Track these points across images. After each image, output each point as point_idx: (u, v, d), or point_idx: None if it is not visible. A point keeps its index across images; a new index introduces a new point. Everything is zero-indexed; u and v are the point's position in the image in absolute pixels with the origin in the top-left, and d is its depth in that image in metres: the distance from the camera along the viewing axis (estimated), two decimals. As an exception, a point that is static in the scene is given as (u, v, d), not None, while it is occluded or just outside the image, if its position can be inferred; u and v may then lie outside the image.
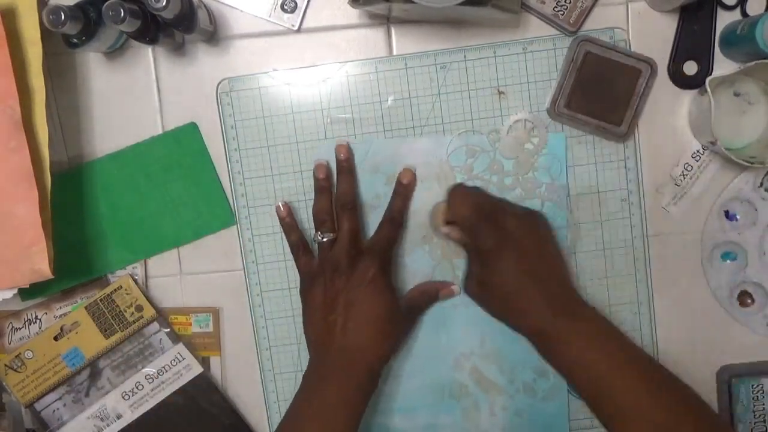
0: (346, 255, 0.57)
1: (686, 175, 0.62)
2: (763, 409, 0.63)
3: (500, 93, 0.62)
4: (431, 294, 0.62)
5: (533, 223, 0.57)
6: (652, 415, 0.50)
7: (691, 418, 0.50)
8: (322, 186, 0.60)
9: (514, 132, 0.61)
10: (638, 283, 0.63)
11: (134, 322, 0.62)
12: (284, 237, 0.62)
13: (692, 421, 0.50)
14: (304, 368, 0.63)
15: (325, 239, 0.58)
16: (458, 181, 0.62)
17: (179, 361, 0.63)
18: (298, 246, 0.60)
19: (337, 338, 0.56)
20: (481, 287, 0.58)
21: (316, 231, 0.59)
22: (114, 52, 0.61)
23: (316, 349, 0.58)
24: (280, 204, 0.61)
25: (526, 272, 0.54)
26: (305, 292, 0.59)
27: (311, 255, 0.60)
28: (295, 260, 0.61)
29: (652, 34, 0.61)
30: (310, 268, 0.59)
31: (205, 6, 0.59)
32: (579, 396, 0.55)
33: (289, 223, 0.61)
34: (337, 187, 0.60)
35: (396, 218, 0.60)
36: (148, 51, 0.62)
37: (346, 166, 0.61)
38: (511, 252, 0.54)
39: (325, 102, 0.62)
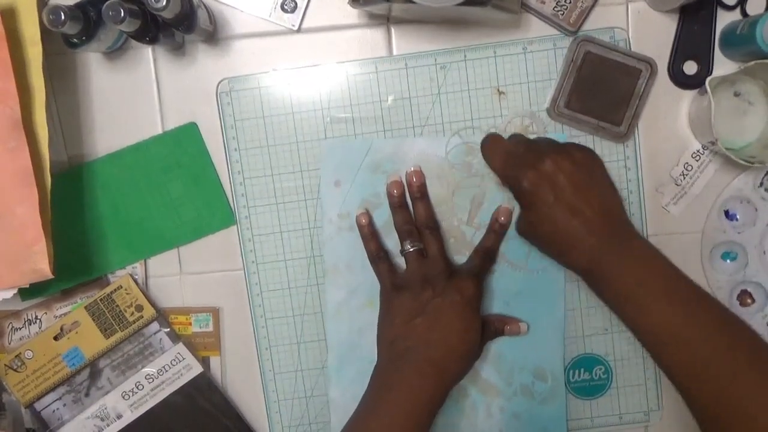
0: (443, 270, 0.58)
1: (686, 174, 0.62)
2: (763, 409, 0.63)
3: (500, 93, 0.62)
4: (498, 327, 0.62)
5: (572, 159, 0.55)
6: (689, 339, 0.50)
7: (728, 340, 0.50)
8: (400, 202, 0.61)
9: (512, 128, 0.61)
10: (638, 282, 0.63)
11: (134, 321, 0.62)
12: (284, 237, 0.62)
13: (730, 344, 0.50)
14: (304, 368, 0.64)
15: (413, 249, 0.59)
16: (458, 177, 0.62)
17: (179, 361, 0.63)
18: (379, 254, 0.60)
19: (417, 344, 0.56)
20: (529, 229, 0.58)
21: (403, 242, 0.59)
22: (114, 52, 0.61)
23: (390, 351, 0.57)
24: (362, 211, 0.61)
25: (566, 211, 0.53)
26: (390, 299, 0.59)
27: (393, 264, 0.61)
28: (375, 268, 0.61)
29: (652, 34, 0.61)
30: (396, 278, 0.59)
31: (205, 6, 0.59)
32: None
33: (369, 231, 0.61)
34: (415, 212, 0.61)
35: (490, 254, 0.61)
36: (148, 51, 0.62)
37: (421, 191, 0.61)
38: (548, 192, 0.54)
39: (325, 102, 0.62)
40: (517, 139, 0.59)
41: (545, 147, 0.56)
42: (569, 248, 0.54)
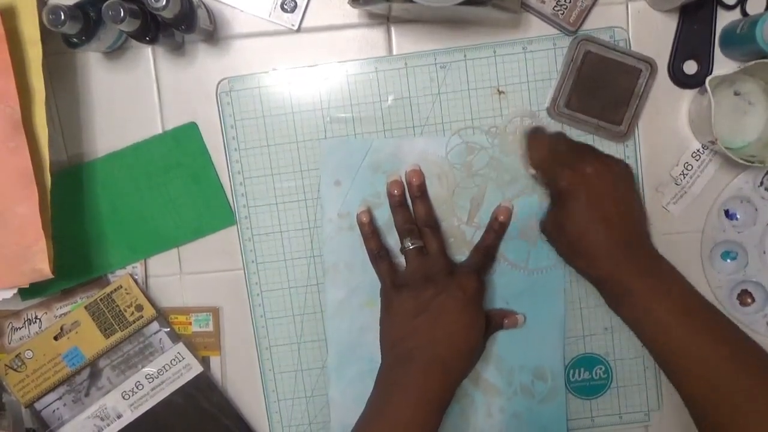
0: (444, 267, 0.58)
1: (686, 174, 0.62)
2: (764, 408, 0.63)
3: (500, 93, 0.62)
4: (497, 322, 0.62)
5: (611, 169, 0.55)
6: (705, 358, 0.50)
7: (743, 361, 0.51)
8: (400, 202, 0.61)
9: (512, 129, 0.62)
10: (638, 282, 0.63)
11: (134, 321, 0.62)
12: (284, 237, 0.62)
13: (744, 365, 0.50)
14: (304, 368, 0.64)
15: (413, 246, 0.58)
16: (458, 177, 0.62)
17: (179, 361, 0.63)
18: (379, 252, 0.60)
19: (421, 342, 0.55)
20: (554, 228, 0.57)
21: (403, 239, 0.59)
22: (114, 52, 0.61)
23: (394, 352, 0.57)
24: (363, 209, 0.61)
25: (597, 218, 0.53)
26: (391, 298, 0.58)
27: (394, 262, 0.61)
28: (375, 266, 0.61)
29: (652, 34, 0.61)
30: (397, 276, 0.59)
31: (205, 6, 0.59)
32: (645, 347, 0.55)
33: (370, 229, 0.61)
34: (415, 211, 0.61)
35: (489, 252, 0.61)
36: (148, 51, 0.62)
37: (421, 190, 0.61)
38: (583, 196, 0.53)
39: (325, 102, 0.62)
40: (560, 137, 0.59)
41: (587, 151, 0.57)
42: (591, 255, 0.54)
